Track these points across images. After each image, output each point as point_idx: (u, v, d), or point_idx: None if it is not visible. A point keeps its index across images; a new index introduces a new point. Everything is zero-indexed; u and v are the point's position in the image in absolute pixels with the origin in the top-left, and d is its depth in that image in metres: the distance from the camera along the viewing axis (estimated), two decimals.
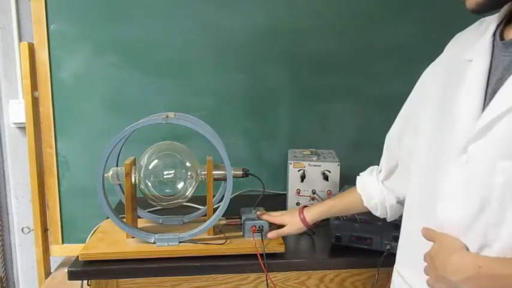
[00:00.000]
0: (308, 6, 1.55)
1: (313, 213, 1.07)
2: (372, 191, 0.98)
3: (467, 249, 0.66)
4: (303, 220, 1.06)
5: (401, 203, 0.95)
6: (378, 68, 1.58)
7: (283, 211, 1.16)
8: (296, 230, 1.08)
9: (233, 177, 1.06)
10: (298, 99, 1.60)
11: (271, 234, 1.08)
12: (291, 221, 1.08)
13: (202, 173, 1.10)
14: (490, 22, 0.72)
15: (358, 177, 1.03)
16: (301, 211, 1.08)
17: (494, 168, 0.63)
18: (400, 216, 1.03)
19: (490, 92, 0.67)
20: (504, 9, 0.71)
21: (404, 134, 0.90)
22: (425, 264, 0.72)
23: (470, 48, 0.73)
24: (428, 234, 0.73)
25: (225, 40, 1.54)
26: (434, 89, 0.79)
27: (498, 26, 0.71)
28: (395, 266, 0.88)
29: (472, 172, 0.66)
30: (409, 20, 1.56)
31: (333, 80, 1.60)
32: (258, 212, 1.13)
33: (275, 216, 1.12)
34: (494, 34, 0.70)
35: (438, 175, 0.72)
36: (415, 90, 0.90)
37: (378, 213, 0.99)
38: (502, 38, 0.69)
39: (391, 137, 0.95)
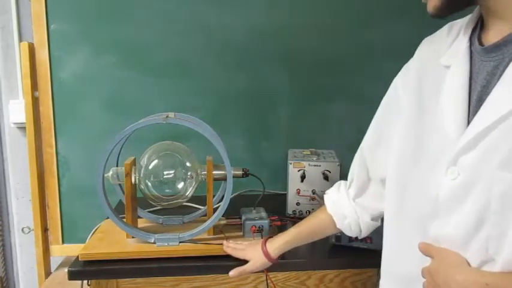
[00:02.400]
0: (308, 6, 1.55)
1: (276, 246, 0.97)
2: (344, 210, 0.91)
3: (469, 264, 0.62)
4: (266, 254, 0.96)
5: (375, 219, 0.91)
6: (378, 68, 1.58)
7: (248, 243, 1.04)
8: (260, 267, 0.98)
9: (233, 177, 1.06)
10: (298, 99, 1.60)
11: (233, 272, 0.97)
12: (253, 257, 0.98)
13: (202, 173, 1.10)
14: (463, 26, 0.70)
15: (325, 196, 0.96)
16: (264, 244, 0.98)
17: (491, 179, 0.59)
18: None
19: (475, 99, 0.64)
20: (476, 13, 0.69)
21: (378, 146, 0.85)
22: (424, 280, 0.68)
23: (446, 53, 0.70)
24: (426, 249, 0.69)
25: (225, 40, 1.54)
26: (408, 97, 0.76)
27: (474, 30, 0.68)
28: (381, 282, 0.84)
29: (465, 184, 0.62)
30: (409, 20, 1.56)
31: (333, 80, 1.60)
32: (225, 242, 1.04)
33: (238, 250, 1.01)
34: (470, 39, 0.68)
35: (426, 189, 0.69)
36: (386, 99, 0.86)
37: (350, 232, 0.92)
38: (480, 43, 0.66)
39: (364, 150, 0.89)
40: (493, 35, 0.64)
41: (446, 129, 0.65)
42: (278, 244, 0.97)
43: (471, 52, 0.67)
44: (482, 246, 0.61)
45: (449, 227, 0.65)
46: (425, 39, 0.80)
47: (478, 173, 0.60)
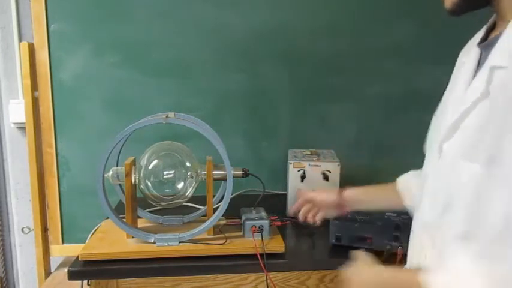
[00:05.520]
0: (308, 6, 1.55)
1: (350, 192, 1.02)
2: (413, 188, 0.92)
3: (374, 264, 0.71)
4: (339, 195, 1.02)
5: None
6: (378, 68, 1.58)
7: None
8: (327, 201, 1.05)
9: (233, 177, 1.06)
10: (298, 99, 1.60)
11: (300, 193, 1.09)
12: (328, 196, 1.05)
13: (202, 173, 1.10)
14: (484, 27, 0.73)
15: (398, 179, 0.98)
16: (340, 191, 1.03)
17: (460, 168, 0.62)
18: (401, 216, 1.03)
19: None
20: (493, 16, 0.72)
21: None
22: None
23: (467, 51, 0.75)
24: (355, 255, 0.77)
25: (225, 40, 1.54)
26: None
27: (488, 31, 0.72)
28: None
29: (441, 171, 0.67)
30: (409, 20, 1.56)
31: (333, 80, 1.60)
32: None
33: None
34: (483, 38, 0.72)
35: (426, 169, 0.75)
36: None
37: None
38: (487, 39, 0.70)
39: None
40: (496, 34, 0.67)
41: (446, 119, 0.70)
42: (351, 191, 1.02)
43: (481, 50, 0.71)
44: (447, 230, 0.64)
45: (423, 211, 0.71)
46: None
47: (450, 161, 0.65)
